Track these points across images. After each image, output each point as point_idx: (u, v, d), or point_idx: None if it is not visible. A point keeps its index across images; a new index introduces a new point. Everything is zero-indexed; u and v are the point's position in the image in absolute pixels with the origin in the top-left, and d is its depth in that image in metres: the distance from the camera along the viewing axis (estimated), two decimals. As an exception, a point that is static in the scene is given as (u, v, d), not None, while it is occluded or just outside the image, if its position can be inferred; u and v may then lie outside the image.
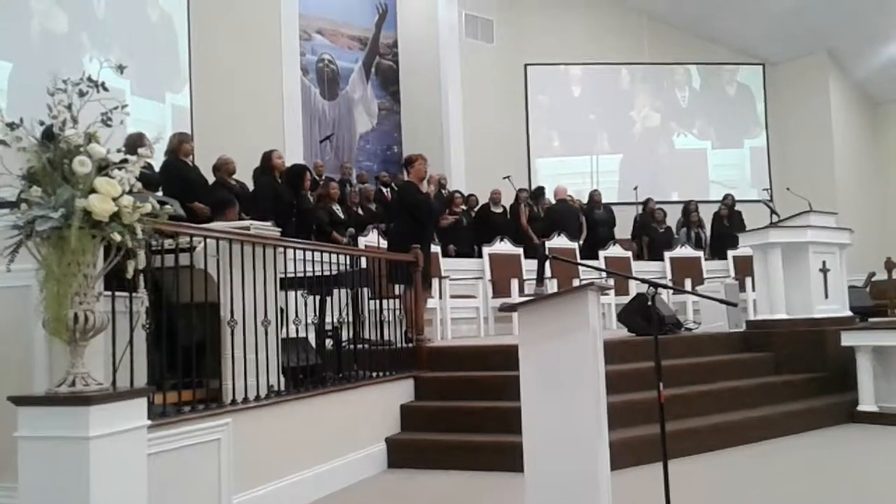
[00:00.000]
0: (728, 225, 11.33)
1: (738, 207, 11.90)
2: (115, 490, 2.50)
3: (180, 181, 6.75)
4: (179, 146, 7.02)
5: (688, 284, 9.27)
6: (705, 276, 10.22)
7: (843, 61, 14.86)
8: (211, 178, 7.31)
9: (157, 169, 6.82)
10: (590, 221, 10.87)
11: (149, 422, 2.77)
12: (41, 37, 7.98)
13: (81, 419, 2.44)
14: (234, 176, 7.39)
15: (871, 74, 14.99)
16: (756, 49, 14.85)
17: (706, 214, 11.95)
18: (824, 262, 6.98)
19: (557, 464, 3.00)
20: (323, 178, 9.44)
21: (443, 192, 10.14)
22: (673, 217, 11.92)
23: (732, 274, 10.08)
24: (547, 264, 8.86)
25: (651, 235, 11.34)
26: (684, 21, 14.53)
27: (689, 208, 11.85)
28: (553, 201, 10.90)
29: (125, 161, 2.67)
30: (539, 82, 14.29)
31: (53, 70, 2.72)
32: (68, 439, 2.44)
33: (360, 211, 9.15)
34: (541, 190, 11.21)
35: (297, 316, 4.53)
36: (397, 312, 5.88)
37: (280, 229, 4.62)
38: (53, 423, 2.46)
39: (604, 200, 11.52)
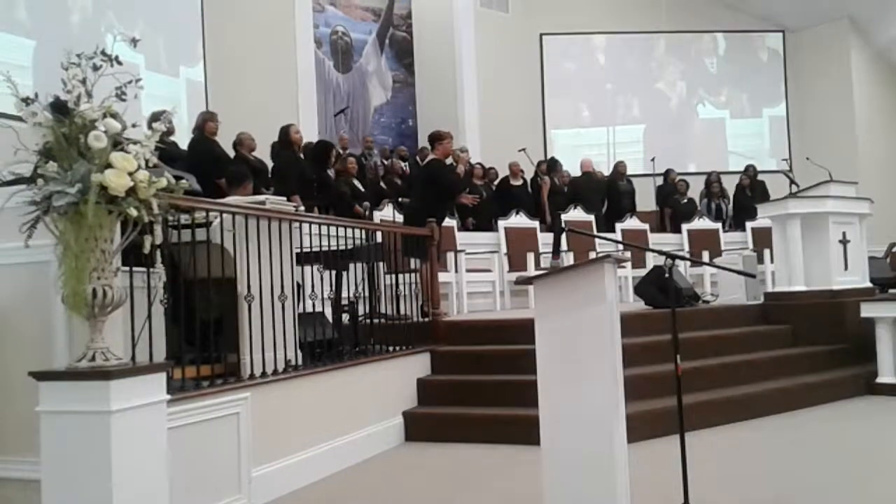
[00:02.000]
0: (751, 196, 11.19)
1: (758, 178, 11.77)
2: (136, 464, 2.53)
3: (205, 159, 6.82)
4: (205, 125, 7.10)
5: (706, 256, 9.21)
6: (723, 247, 10.14)
7: (864, 28, 14.58)
8: (233, 155, 7.36)
9: (181, 146, 6.92)
10: (614, 193, 10.82)
11: (168, 396, 2.78)
12: (62, 13, 7.97)
13: (102, 394, 2.45)
14: (254, 152, 7.45)
15: (893, 41, 14.70)
16: (776, 16, 14.59)
17: (726, 185, 11.85)
18: (844, 233, 6.90)
19: (574, 436, 3.00)
20: (347, 151, 9.46)
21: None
22: (693, 188, 11.82)
23: (751, 246, 10.00)
24: (563, 237, 8.85)
25: (674, 207, 11.27)
26: (703, -12, 14.31)
27: (710, 179, 11.75)
28: (571, 174, 10.87)
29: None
30: (555, 52, 14.14)
31: (75, 46, 2.70)
32: (89, 414, 2.46)
33: (382, 185, 9.13)
34: (554, 161, 11.14)
35: (313, 290, 4.54)
36: (413, 286, 5.88)
37: (300, 204, 4.61)
38: (74, 397, 2.48)
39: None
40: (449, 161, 6.95)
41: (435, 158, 6.80)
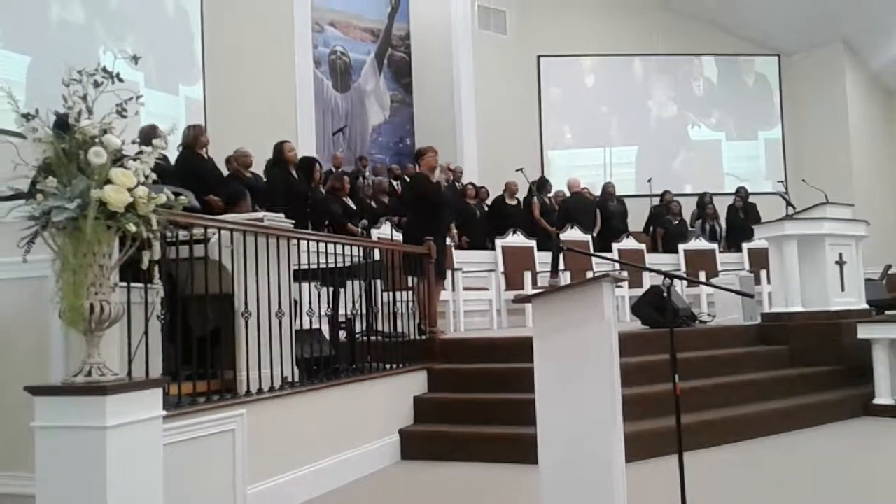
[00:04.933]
0: (744, 217, 11.25)
1: (753, 199, 11.84)
2: (132, 480, 2.51)
3: (195, 174, 6.78)
4: (195, 139, 7.06)
5: (702, 277, 9.22)
6: (720, 268, 10.16)
7: (859, 52, 14.71)
8: (225, 171, 7.34)
9: (172, 161, 6.86)
10: (604, 213, 10.84)
11: (164, 412, 2.77)
12: (58, 29, 8.01)
13: (98, 409, 2.44)
14: (250, 169, 7.44)
15: (888, 65, 14.83)
16: (771, 40, 14.73)
17: (721, 207, 11.91)
18: (840, 255, 6.92)
19: (572, 456, 2.98)
20: (341, 169, 9.46)
21: (457, 183, 10.15)
22: (686, 210, 11.87)
23: (747, 266, 10.01)
24: (560, 256, 8.86)
25: (666, 227, 11.30)
26: (698, 11, 14.44)
27: (703, 200, 11.80)
28: (566, 194, 10.89)
29: (140, 152, 2.68)
30: (552, 74, 14.24)
31: (70, 62, 2.72)
32: (85, 429, 2.44)
33: (373, 204, 9.15)
34: (545, 181, 11.16)
35: (310, 307, 4.54)
36: (410, 304, 5.88)
37: (292, 221, 4.61)
38: (70, 412, 2.46)
39: (618, 193, 11.46)
40: (437, 174, 7.10)
41: (417, 173, 7.05)
